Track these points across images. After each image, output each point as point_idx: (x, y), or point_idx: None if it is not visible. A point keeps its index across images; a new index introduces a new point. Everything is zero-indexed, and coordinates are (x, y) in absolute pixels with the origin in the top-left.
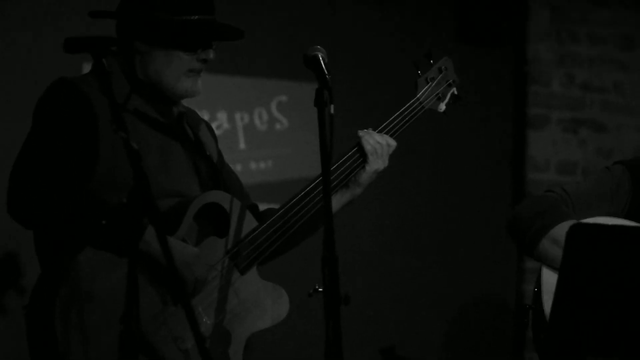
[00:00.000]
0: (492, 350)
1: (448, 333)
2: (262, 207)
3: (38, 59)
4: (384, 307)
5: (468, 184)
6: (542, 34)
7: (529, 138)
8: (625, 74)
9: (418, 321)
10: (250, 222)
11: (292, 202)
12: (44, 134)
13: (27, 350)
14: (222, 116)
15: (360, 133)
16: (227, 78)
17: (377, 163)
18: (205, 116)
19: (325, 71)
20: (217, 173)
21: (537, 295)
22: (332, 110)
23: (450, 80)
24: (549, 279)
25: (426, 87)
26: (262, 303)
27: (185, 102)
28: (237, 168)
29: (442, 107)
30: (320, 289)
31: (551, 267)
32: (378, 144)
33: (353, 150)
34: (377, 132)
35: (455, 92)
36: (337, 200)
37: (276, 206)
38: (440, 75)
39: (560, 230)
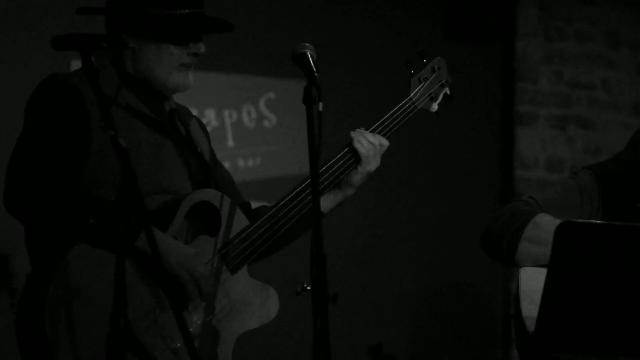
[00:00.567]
0: (480, 349)
1: (436, 331)
2: (253, 205)
3: (26, 57)
4: (372, 305)
5: (456, 182)
6: (530, 31)
7: (517, 135)
8: (612, 71)
9: (406, 319)
10: (241, 221)
11: (283, 202)
12: (36, 130)
13: (16, 348)
14: (210, 113)
15: (353, 134)
16: (215, 75)
17: (369, 164)
18: (194, 113)
19: (314, 68)
20: (208, 170)
21: (517, 301)
22: (320, 108)
23: (443, 80)
24: (527, 284)
25: (419, 86)
26: (252, 302)
27: (174, 98)
28: (226, 165)
29: (435, 107)
30: (309, 288)
31: (535, 266)
32: (371, 145)
33: (345, 151)
34: (370, 132)
35: (448, 92)
36: (330, 201)
37: (268, 204)
38: (434, 75)
39: (535, 227)
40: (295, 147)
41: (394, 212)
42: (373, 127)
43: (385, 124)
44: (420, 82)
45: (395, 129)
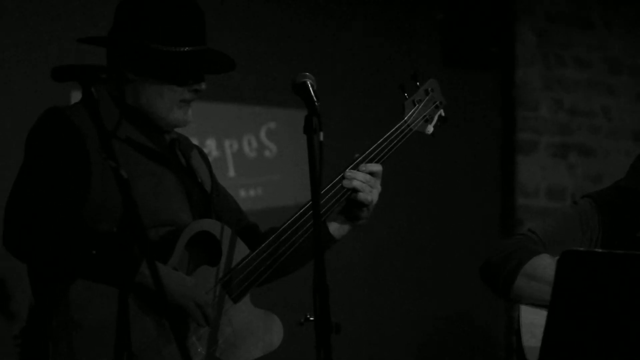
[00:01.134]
0: None
1: (442, 359)
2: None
3: (27, 87)
4: (375, 335)
5: (457, 210)
6: (529, 58)
7: (517, 163)
8: (612, 97)
9: (409, 349)
10: (241, 250)
11: (282, 229)
12: (36, 165)
13: None
14: (211, 143)
15: (346, 176)
16: (216, 105)
17: (370, 195)
18: (195, 143)
19: (314, 98)
20: (208, 200)
21: (518, 334)
22: (321, 137)
23: (437, 102)
24: (527, 317)
25: (413, 109)
26: (256, 331)
27: (174, 129)
28: None
29: (430, 129)
30: (312, 318)
31: (530, 304)
32: (363, 183)
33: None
34: (363, 159)
35: (443, 114)
36: (337, 230)
37: (276, 226)
38: (427, 97)
39: (533, 265)
40: (296, 177)
41: (394, 240)
42: (368, 151)
43: (381, 147)
44: (415, 105)
45: (390, 152)
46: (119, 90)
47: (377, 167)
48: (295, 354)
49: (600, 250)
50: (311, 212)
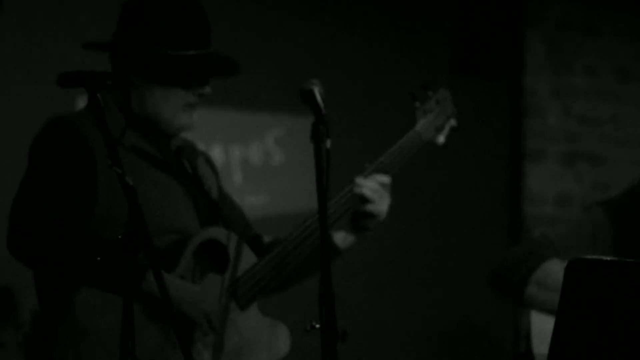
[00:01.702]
0: None
1: None
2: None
3: (32, 94)
4: (382, 345)
5: (464, 218)
6: (537, 66)
7: (525, 171)
8: (621, 105)
9: (417, 355)
10: (249, 258)
11: (289, 238)
12: (42, 173)
13: None
14: (217, 150)
15: (356, 183)
16: (222, 111)
17: (379, 206)
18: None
19: (322, 105)
20: (215, 208)
21: (527, 339)
22: (328, 145)
23: (449, 112)
24: (538, 323)
25: (424, 119)
26: (263, 340)
27: (181, 135)
28: None
29: (441, 139)
30: (318, 326)
31: (541, 311)
32: (373, 192)
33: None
34: (374, 168)
35: (454, 124)
36: (342, 240)
37: (281, 236)
38: (439, 106)
39: (544, 272)
40: (303, 184)
41: (402, 247)
42: (379, 160)
43: (392, 157)
44: (426, 114)
45: (402, 162)
46: (124, 96)
47: (385, 179)
48: None
49: (608, 258)
50: (318, 220)
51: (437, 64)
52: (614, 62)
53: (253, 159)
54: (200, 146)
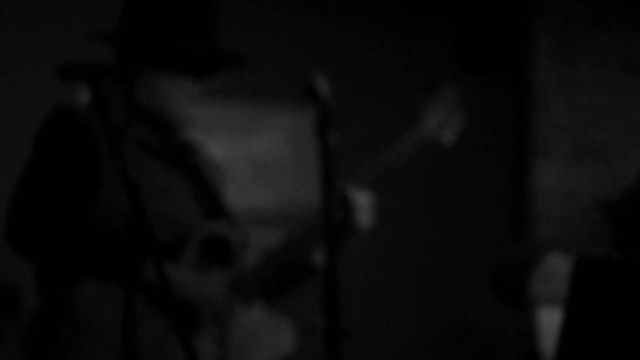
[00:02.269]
0: None
1: None
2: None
3: (35, 85)
4: (386, 342)
5: (470, 215)
6: (544, 59)
7: (532, 166)
8: (629, 98)
9: (421, 354)
10: (254, 253)
11: (294, 235)
12: (44, 162)
13: None
14: (221, 144)
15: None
16: (228, 104)
17: (364, 216)
18: (205, 143)
19: (326, 100)
20: (218, 202)
21: (532, 337)
22: (333, 141)
23: (454, 110)
24: (545, 320)
25: (429, 116)
26: (266, 335)
27: (185, 129)
28: (237, 197)
29: (446, 136)
30: (321, 325)
31: (548, 304)
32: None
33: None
34: (376, 165)
35: (460, 121)
36: (319, 256)
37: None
38: (445, 104)
39: (547, 265)
40: (308, 179)
41: (405, 245)
42: (381, 157)
43: (394, 155)
44: (430, 112)
45: (404, 160)
46: (129, 89)
47: (369, 198)
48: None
49: (616, 256)
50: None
51: (444, 59)
52: (622, 53)
53: (258, 152)
54: (205, 139)
